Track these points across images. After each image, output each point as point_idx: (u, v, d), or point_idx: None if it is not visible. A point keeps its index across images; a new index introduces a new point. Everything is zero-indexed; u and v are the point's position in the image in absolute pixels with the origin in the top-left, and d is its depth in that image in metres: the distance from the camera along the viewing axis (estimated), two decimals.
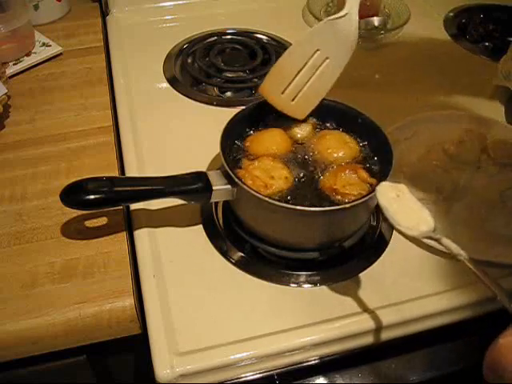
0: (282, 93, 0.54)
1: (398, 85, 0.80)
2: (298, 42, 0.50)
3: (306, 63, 0.51)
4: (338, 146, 0.56)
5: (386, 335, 0.50)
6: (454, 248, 0.39)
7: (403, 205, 0.41)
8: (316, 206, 0.51)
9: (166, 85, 0.78)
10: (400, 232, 0.42)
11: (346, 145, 0.57)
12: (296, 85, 0.53)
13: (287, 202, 0.49)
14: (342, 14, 0.49)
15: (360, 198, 0.49)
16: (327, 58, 0.51)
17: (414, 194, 0.60)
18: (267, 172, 0.53)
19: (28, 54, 0.81)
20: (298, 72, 0.52)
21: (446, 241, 0.39)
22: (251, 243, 0.55)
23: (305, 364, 0.49)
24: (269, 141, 0.57)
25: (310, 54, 0.51)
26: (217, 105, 0.75)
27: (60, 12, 0.92)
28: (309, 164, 0.56)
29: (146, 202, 0.57)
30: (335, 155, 0.56)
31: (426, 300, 0.51)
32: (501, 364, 0.29)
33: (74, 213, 0.57)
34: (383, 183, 0.44)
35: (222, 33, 0.90)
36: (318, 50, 0.50)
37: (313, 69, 0.51)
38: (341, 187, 0.52)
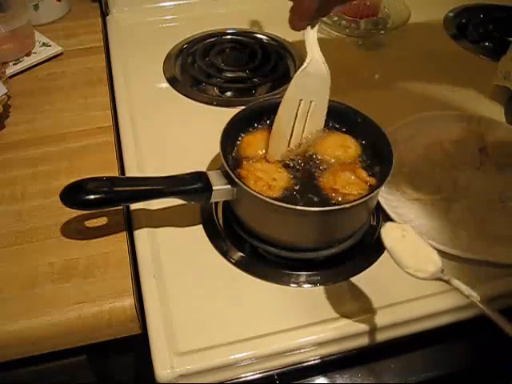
0: (288, 148, 0.57)
1: (398, 85, 0.80)
2: (282, 105, 0.54)
3: (296, 116, 0.55)
4: (337, 147, 0.56)
5: (385, 335, 0.50)
6: (465, 289, 0.38)
7: (409, 245, 0.40)
8: (316, 206, 0.51)
9: (165, 85, 0.78)
10: (409, 274, 0.41)
11: (346, 145, 0.57)
12: (296, 136, 0.56)
13: (288, 202, 0.49)
14: (307, 61, 0.53)
15: (360, 198, 0.49)
16: (312, 101, 0.55)
17: (414, 194, 0.61)
18: (269, 173, 0.53)
19: (28, 54, 0.81)
20: (293, 127, 0.55)
21: (456, 282, 0.38)
22: (251, 243, 0.55)
23: (305, 364, 0.49)
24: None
25: (296, 107, 0.54)
26: (217, 105, 0.75)
27: (60, 12, 0.92)
28: (309, 165, 0.56)
29: (146, 202, 0.57)
30: (335, 156, 0.56)
31: (426, 300, 0.51)
32: None
33: (74, 213, 0.57)
34: (388, 224, 0.43)
35: (221, 33, 0.90)
36: (301, 100, 0.54)
37: (304, 116, 0.55)
38: (341, 187, 0.52)
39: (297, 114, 0.55)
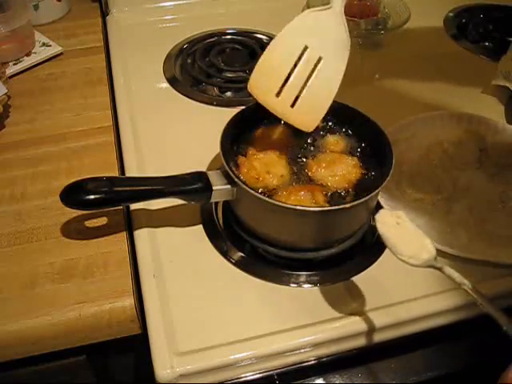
0: (277, 95, 0.50)
1: (398, 85, 0.80)
2: (281, 34, 0.46)
3: (296, 61, 0.47)
4: (336, 171, 0.54)
5: (385, 335, 0.50)
6: (457, 277, 0.38)
7: (403, 233, 0.40)
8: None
9: (165, 85, 0.78)
10: (402, 261, 0.41)
11: (345, 169, 0.55)
12: (292, 86, 0.48)
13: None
14: (325, 7, 0.46)
15: (360, 198, 0.49)
16: (321, 58, 0.48)
17: (414, 194, 0.61)
18: (266, 166, 0.53)
19: (28, 54, 0.81)
20: (291, 72, 0.48)
21: (449, 269, 0.38)
22: (251, 243, 0.55)
23: (305, 364, 0.49)
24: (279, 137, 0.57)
25: (297, 51, 0.47)
26: (217, 105, 0.75)
27: (60, 12, 0.92)
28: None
29: (146, 202, 0.57)
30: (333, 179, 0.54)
31: (426, 300, 0.51)
32: None
33: (74, 213, 0.57)
34: (382, 211, 0.43)
35: (222, 33, 0.90)
36: (307, 48, 0.47)
37: (307, 69, 0.48)
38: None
39: (299, 58, 0.47)
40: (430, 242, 0.40)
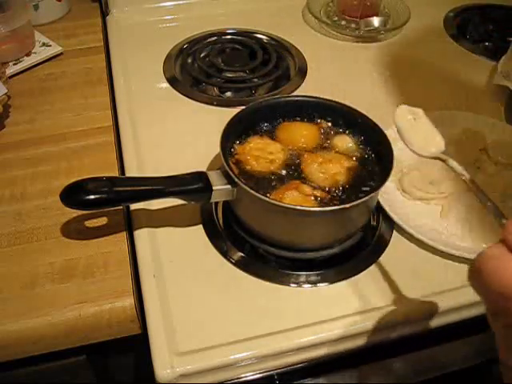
0: None
1: (398, 85, 0.80)
2: None
3: None
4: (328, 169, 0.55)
5: (385, 335, 0.50)
6: (459, 169, 0.40)
7: (418, 127, 0.43)
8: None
9: (165, 85, 0.78)
10: (412, 151, 0.44)
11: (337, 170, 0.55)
12: None
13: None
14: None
15: (360, 198, 0.49)
16: None
17: (414, 194, 0.61)
18: (264, 150, 0.55)
19: (28, 54, 0.81)
20: None
21: (452, 162, 0.41)
22: (251, 243, 0.55)
23: (305, 364, 0.49)
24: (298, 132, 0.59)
25: None
26: (217, 105, 0.75)
27: (60, 12, 0.92)
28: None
29: (146, 202, 0.57)
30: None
31: (426, 300, 0.51)
32: (480, 272, 0.32)
33: (74, 213, 0.57)
34: (402, 106, 0.45)
35: (222, 33, 0.89)
36: None
37: None
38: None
39: None
40: (441, 139, 0.43)
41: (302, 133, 0.59)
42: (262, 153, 0.56)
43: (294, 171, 0.55)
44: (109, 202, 0.51)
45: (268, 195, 0.51)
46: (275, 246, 0.54)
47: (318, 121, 0.60)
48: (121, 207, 0.58)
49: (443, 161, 0.41)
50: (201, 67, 0.81)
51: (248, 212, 0.54)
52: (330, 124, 0.60)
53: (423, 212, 0.59)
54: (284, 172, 0.55)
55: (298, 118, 0.60)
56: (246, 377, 0.48)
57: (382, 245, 0.56)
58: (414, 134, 0.42)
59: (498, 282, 0.31)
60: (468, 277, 0.33)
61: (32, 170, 0.64)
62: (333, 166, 0.55)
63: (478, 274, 0.32)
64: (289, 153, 0.57)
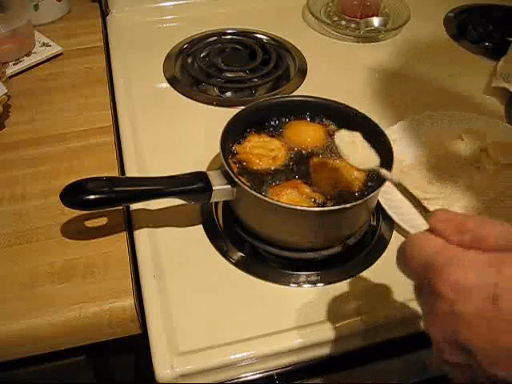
0: None
1: (398, 85, 0.80)
2: None
3: None
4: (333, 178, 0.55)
5: (385, 335, 0.50)
6: (388, 175, 0.46)
7: (357, 148, 0.50)
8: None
9: (165, 85, 0.78)
10: (350, 165, 0.51)
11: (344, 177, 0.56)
12: None
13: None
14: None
15: (360, 198, 0.49)
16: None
17: (414, 194, 0.61)
18: (264, 147, 0.55)
19: (28, 54, 0.81)
20: None
21: (383, 170, 0.47)
22: (251, 243, 0.55)
23: (305, 364, 0.49)
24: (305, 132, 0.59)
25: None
26: (217, 105, 0.75)
27: (60, 12, 0.92)
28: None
29: (146, 202, 0.57)
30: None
31: None
32: (404, 251, 0.35)
33: (74, 213, 0.57)
34: (342, 130, 0.51)
35: (222, 33, 0.89)
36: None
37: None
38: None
39: None
40: (376, 155, 0.49)
41: (308, 133, 0.59)
42: (264, 150, 0.56)
43: (298, 170, 0.55)
44: (109, 202, 0.51)
45: (268, 190, 0.52)
46: (275, 245, 0.54)
47: (319, 121, 0.60)
48: (121, 207, 0.58)
49: (376, 171, 0.48)
50: (201, 67, 0.81)
51: (248, 212, 0.54)
52: (331, 124, 0.60)
53: (423, 212, 0.59)
54: (287, 168, 0.55)
55: (294, 118, 0.60)
56: (245, 377, 0.48)
57: (381, 245, 0.56)
58: (353, 154, 0.49)
59: (418, 254, 0.33)
60: (396, 259, 0.36)
61: (32, 170, 0.64)
62: (342, 177, 0.55)
63: (403, 253, 0.35)
64: (290, 149, 0.57)
